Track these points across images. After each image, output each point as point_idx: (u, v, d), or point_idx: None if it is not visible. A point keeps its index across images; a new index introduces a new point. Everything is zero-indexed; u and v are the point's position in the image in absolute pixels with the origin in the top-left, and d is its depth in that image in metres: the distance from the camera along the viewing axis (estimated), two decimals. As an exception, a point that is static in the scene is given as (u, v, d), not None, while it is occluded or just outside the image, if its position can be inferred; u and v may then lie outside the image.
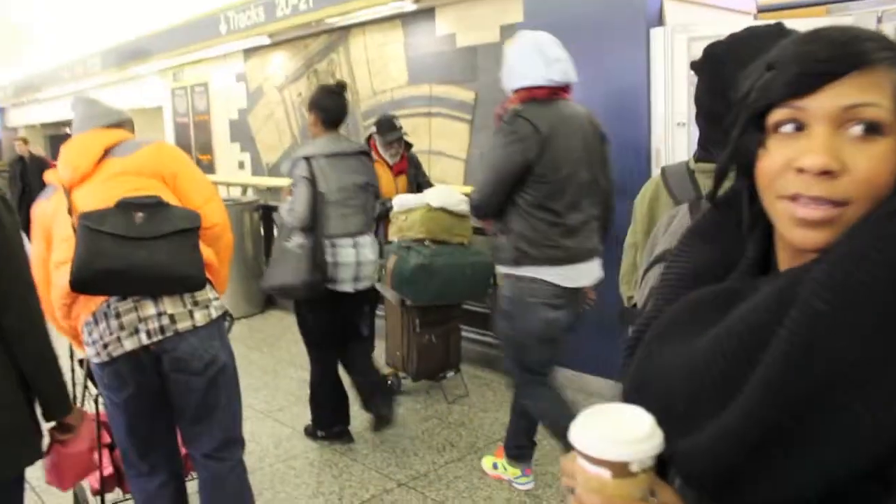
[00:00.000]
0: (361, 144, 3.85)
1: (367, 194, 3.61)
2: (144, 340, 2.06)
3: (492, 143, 2.85)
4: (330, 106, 3.54)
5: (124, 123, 2.37)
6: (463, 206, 4.06)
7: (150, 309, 2.06)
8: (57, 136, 14.62)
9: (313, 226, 3.38)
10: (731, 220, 0.83)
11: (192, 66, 8.78)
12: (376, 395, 3.77)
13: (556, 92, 2.78)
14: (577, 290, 2.91)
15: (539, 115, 2.74)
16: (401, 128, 4.56)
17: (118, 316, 2.06)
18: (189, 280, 2.09)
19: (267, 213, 6.57)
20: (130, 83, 10.10)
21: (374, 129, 4.62)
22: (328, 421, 3.76)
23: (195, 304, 2.12)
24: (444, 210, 4.03)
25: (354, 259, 3.49)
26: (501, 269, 2.93)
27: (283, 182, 6.40)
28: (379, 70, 6.35)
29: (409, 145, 4.72)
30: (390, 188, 4.54)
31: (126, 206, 2.07)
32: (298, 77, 7.32)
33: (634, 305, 1.53)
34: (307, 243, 3.35)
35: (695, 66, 1.52)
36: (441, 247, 4.01)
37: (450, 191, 4.20)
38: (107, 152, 2.19)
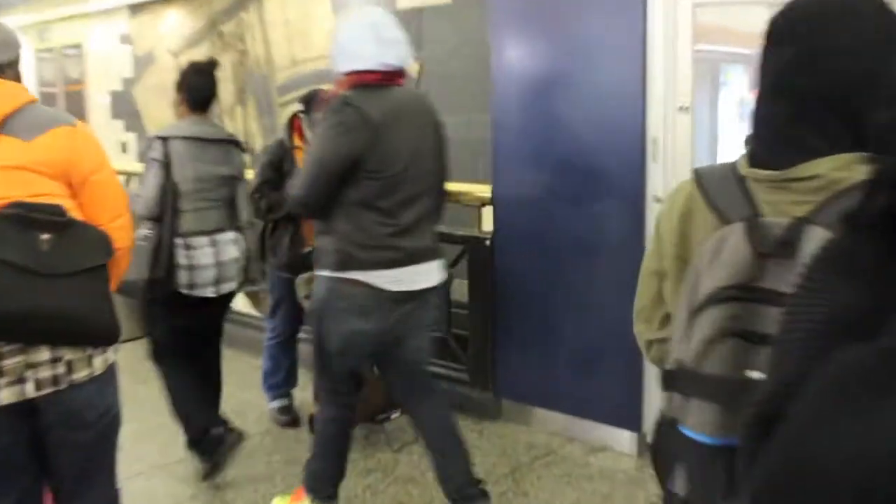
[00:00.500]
0: (230, 133, 3.89)
1: (232, 188, 3.66)
2: (31, 393, 1.96)
3: (316, 133, 2.90)
4: (197, 85, 3.61)
5: (15, 63, 2.20)
6: None
7: (42, 353, 1.96)
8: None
9: (161, 217, 3.41)
10: (883, 248, 0.74)
11: (62, 22, 8.40)
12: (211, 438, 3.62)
13: (391, 77, 2.85)
14: (416, 295, 2.98)
15: (370, 103, 2.78)
16: None
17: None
18: (107, 334, 2.05)
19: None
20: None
21: (298, 106, 4.22)
22: (199, 427, 3.64)
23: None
24: None
25: (214, 259, 3.52)
26: (320, 273, 2.96)
27: None
28: (300, 34, 6.12)
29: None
30: None
31: (26, 221, 1.92)
32: (199, 41, 6.98)
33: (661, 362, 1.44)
34: (152, 236, 3.40)
35: (775, 29, 1.31)
36: None
37: None
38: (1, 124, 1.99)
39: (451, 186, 4.57)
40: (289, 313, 4.22)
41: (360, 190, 2.81)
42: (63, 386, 2.00)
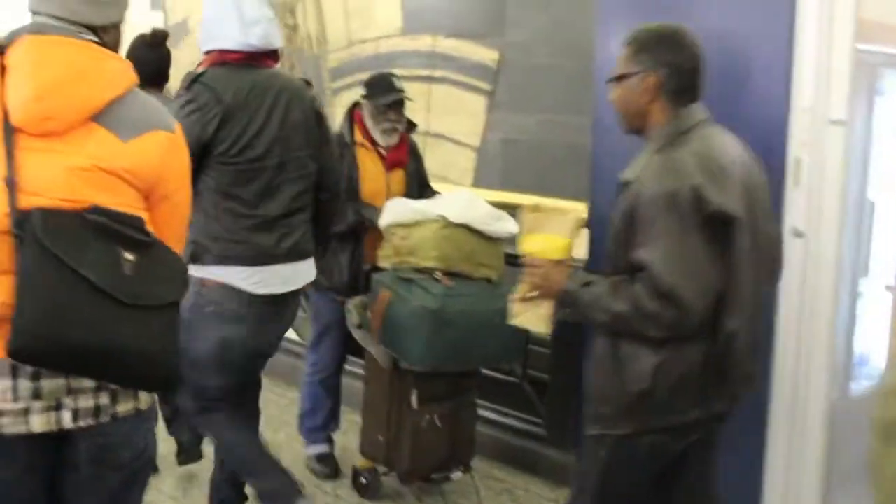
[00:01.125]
0: None
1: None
2: (67, 423, 1.93)
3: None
4: (145, 59, 3.69)
5: (118, 26, 2.17)
6: (496, 225, 3.70)
7: (86, 380, 1.93)
8: None
9: None
10: None
11: None
12: None
13: (256, 58, 3.00)
14: (278, 299, 3.10)
15: (224, 82, 2.95)
16: (403, 90, 4.09)
17: (36, 377, 1.89)
18: (172, 380, 2.03)
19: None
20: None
21: (360, 92, 4.11)
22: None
23: None
24: (466, 228, 3.68)
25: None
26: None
27: None
28: (360, 11, 6.08)
29: (411, 125, 4.21)
30: (378, 187, 4.05)
31: (110, 233, 1.89)
32: None
33: None
34: None
35: None
36: (460, 283, 3.63)
37: (473, 199, 3.85)
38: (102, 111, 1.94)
39: (533, 201, 4.49)
40: (335, 345, 4.11)
41: (215, 176, 2.97)
42: (104, 419, 1.98)
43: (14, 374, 1.88)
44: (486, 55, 5.48)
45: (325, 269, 3.95)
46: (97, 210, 1.88)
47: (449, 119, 5.70)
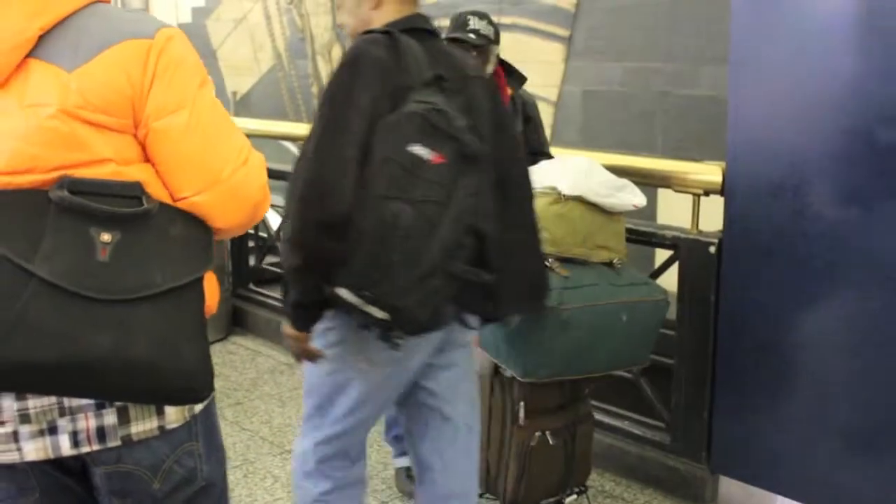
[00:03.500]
0: None
1: None
2: (66, 450, 1.62)
3: None
4: None
5: None
6: (618, 196, 2.95)
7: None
8: None
9: None
10: None
11: None
12: None
13: None
14: None
15: None
16: (479, 31, 3.22)
17: (22, 395, 1.60)
18: (194, 388, 1.62)
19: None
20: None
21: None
22: None
23: None
24: (582, 202, 2.87)
25: None
26: None
27: (260, 125, 5.33)
28: None
29: (515, 76, 3.44)
30: None
31: (77, 213, 1.52)
32: None
33: None
34: None
35: None
36: (577, 270, 2.84)
37: (590, 164, 3.04)
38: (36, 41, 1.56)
39: (646, 164, 3.68)
40: None
41: None
42: (113, 443, 1.65)
43: None
44: (563, -1, 4.99)
45: None
46: (64, 182, 1.50)
47: (521, 70, 5.03)
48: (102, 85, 1.55)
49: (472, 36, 3.14)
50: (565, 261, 2.80)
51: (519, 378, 2.82)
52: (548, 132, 5.14)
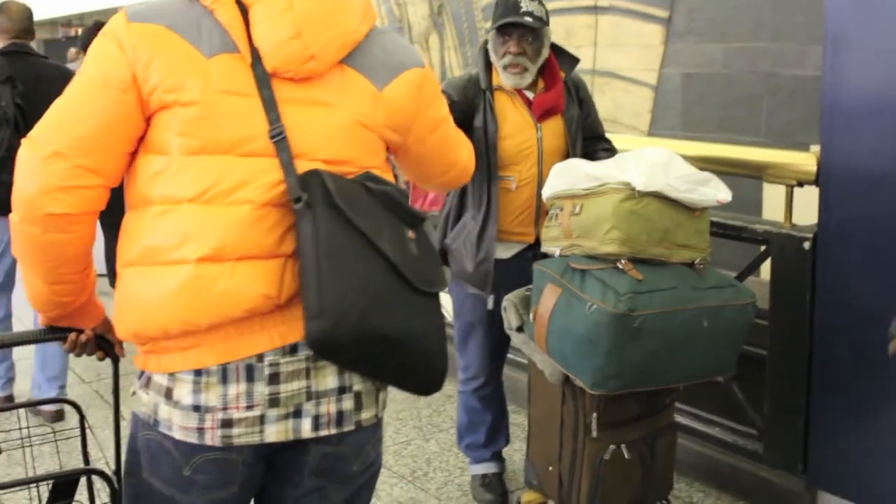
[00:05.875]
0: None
1: None
2: (307, 432, 1.65)
3: None
4: None
5: None
6: (700, 192, 2.58)
7: (329, 380, 1.66)
8: (54, 41, 13.91)
9: None
10: None
11: None
12: None
13: None
14: None
15: None
16: (533, 13, 2.85)
17: (274, 380, 1.62)
18: (439, 381, 1.74)
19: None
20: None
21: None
22: None
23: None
24: (659, 197, 2.52)
25: None
26: None
27: None
28: None
29: (568, 58, 3.05)
30: (525, 143, 2.95)
31: (391, 205, 1.64)
32: None
33: None
34: None
35: None
36: (653, 273, 2.50)
37: (669, 156, 2.66)
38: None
39: (735, 153, 3.33)
40: (484, 346, 3.09)
41: None
42: (348, 427, 1.71)
43: (249, 377, 1.62)
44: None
45: (452, 251, 2.99)
46: (373, 178, 1.62)
47: (618, 54, 4.91)
48: (398, 107, 1.69)
49: (528, 19, 2.80)
50: (641, 262, 2.48)
51: (590, 388, 2.53)
52: (647, 118, 4.86)
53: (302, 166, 1.55)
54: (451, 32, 5.71)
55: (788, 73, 4.29)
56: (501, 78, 2.90)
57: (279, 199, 1.54)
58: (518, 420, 3.41)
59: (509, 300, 2.79)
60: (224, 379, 1.61)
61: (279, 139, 1.55)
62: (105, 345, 1.83)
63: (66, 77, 3.35)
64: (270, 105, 1.56)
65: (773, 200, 3.81)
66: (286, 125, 1.56)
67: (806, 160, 2.89)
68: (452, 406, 3.63)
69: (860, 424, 2.81)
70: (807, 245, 2.85)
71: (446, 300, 3.16)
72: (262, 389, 1.62)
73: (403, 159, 1.85)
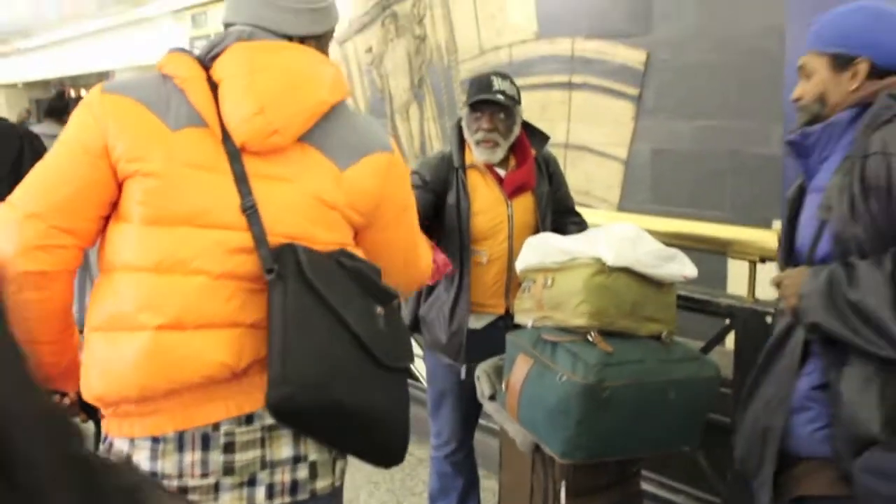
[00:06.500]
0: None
1: None
2: (261, 500, 1.65)
3: None
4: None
5: (326, 39, 1.85)
6: (667, 267, 2.63)
7: (284, 449, 1.66)
8: (47, 100, 14.38)
9: None
10: None
11: (216, 5, 8.08)
12: None
13: None
14: None
15: None
16: (505, 91, 2.91)
17: (229, 449, 1.61)
18: (404, 452, 1.78)
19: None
20: (135, 29, 9.44)
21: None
22: None
23: None
24: (628, 272, 2.56)
25: None
26: None
27: None
28: (492, 15, 5.42)
29: (538, 136, 3.09)
30: (496, 219, 2.98)
31: (361, 280, 1.66)
32: (369, 24, 6.43)
33: None
34: None
35: None
36: (622, 345, 2.52)
37: (637, 233, 2.71)
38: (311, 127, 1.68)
39: (701, 229, 3.40)
40: (456, 412, 3.09)
41: None
42: (302, 496, 1.70)
43: (205, 445, 1.61)
44: (632, 56, 4.78)
45: (426, 321, 3.02)
46: (346, 254, 1.65)
47: (591, 128, 5.01)
48: (361, 189, 1.69)
49: (500, 97, 2.89)
50: (610, 334, 2.53)
51: (559, 458, 2.56)
52: (617, 191, 4.94)
53: (271, 240, 1.57)
54: (431, 104, 5.80)
55: (752, 151, 4.40)
56: (474, 153, 2.96)
57: (237, 269, 1.55)
58: (489, 485, 3.41)
59: (482, 369, 2.82)
60: (180, 447, 1.61)
61: (251, 212, 1.56)
62: (88, 407, 1.82)
63: (17, 135, 3.37)
64: (242, 179, 1.58)
65: (737, 274, 3.88)
66: (256, 199, 1.58)
67: (768, 238, 2.97)
68: (425, 470, 3.63)
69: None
70: (769, 319, 2.90)
71: (420, 366, 3.19)
72: (217, 458, 1.62)
73: (367, 245, 1.82)
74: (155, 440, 1.59)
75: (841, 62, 1.87)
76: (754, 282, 3.06)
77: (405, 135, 6.26)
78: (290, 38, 1.72)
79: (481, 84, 2.93)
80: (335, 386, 1.55)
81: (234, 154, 1.59)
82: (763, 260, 3.01)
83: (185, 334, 1.53)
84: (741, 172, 4.43)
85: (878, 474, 1.61)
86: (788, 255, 1.98)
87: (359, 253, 1.73)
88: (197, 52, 1.68)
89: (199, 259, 1.54)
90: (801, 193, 2.02)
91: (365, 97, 6.70)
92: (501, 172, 2.98)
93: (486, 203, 2.93)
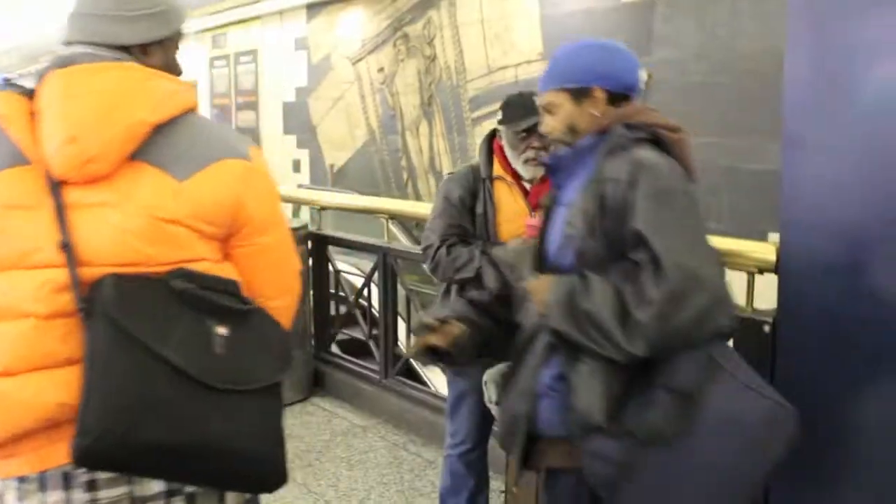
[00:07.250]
0: None
1: None
2: None
3: None
4: None
5: (170, 43, 1.72)
6: None
7: (155, 484, 1.57)
8: None
9: None
10: None
11: (236, 27, 8.00)
12: None
13: None
14: None
15: None
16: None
17: (92, 486, 1.54)
18: (278, 480, 1.63)
19: (320, 248, 5.09)
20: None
21: (499, 116, 3.12)
22: None
23: None
24: None
25: None
26: None
27: (355, 200, 5.28)
28: (498, 36, 5.44)
29: None
30: (520, 228, 3.03)
31: (199, 304, 1.53)
32: (381, 45, 6.47)
33: None
34: None
35: None
36: None
37: None
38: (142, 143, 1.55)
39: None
40: (475, 413, 3.13)
41: None
42: None
43: (67, 484, 1.53)
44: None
45: None
46: (183, 274, 1.51)
47: None
48: (207, 199, 1.56)
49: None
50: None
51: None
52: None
53: (91, 273, 1.48)
54: (440, 121, 5.85)
55: (749, 167, 4.46)
56: (520, 170, 3.01)
57: (66, 308, 1.48)
58: (496, 485, 3.47)
59: (490, 375, 2.88)
60: (43, 487, 1.56)
61: (67, 248, 1.47)
62: None
63: None
64: (59, 213, 1.49)
65: (735, 286, 3.92)
66: (76, 232, 1.49)
67: (766, 249, 3.03)
68: (434, 472, 3.69)
69: (820, 503, 2.90)
70: (767, 328, 2.97)
71: (430, 370, 3.22)
72: (80, 496, 1.56)
73: (234, 257, 1.69)
74: (21, 480, 1.55)
75: (580, 94, 2.02)
76: (752, 292, 3.12)
77: (415, 150, 6.33)
78: (128, 49, 1.63)
79: (525, 105, 2.98)
80: (145, 425, 1.44)
81: (55, 187, 1.50)
82: (761, 271, 3.07)
83: (17, 380, 1.46)
84: (738, 187, 4.49)
85: (594, 456, 1.80)
86: (540, 261, 2.11)
87: (223, 267, 1.63)
88: (31, 83, 1.58)
89: (27, 302, 1.46)
90: (554, 204, 2.14)
91: (377, 114, 6.72)
92: (527, 185, 3.07)
93: (511, 213, 3.01)
